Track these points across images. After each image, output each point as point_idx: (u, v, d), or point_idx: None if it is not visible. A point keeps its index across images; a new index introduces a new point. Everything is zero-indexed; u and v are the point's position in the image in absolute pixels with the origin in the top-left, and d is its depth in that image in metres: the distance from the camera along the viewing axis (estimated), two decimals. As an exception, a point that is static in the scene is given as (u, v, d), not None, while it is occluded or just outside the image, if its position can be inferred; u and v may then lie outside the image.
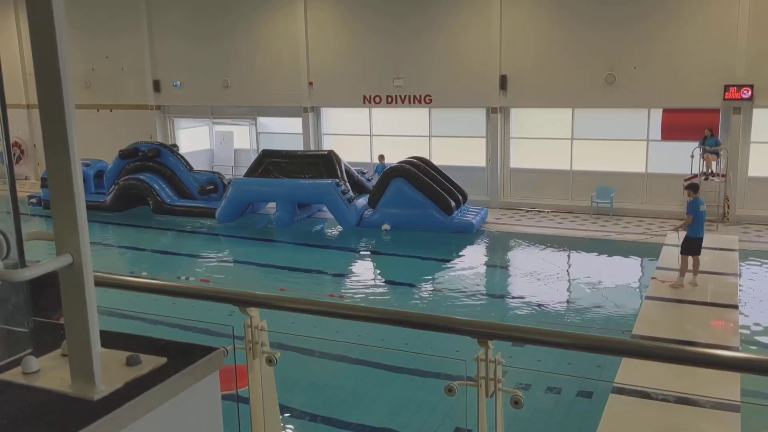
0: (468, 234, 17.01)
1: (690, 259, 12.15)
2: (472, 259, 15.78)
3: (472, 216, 17.55)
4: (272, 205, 19.47)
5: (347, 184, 18.40)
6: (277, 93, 22.89)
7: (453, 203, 17.25)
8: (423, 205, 17.14)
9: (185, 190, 20.48)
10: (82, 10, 24.92)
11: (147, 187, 20.03)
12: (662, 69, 18.36)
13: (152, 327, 9.71)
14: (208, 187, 20.18)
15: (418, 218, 17.18)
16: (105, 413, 1.66)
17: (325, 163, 18.82)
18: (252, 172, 19.38)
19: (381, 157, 20.70)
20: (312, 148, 23.00)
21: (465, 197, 18.23)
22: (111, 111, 25.75)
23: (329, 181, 17.94)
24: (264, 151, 20.03)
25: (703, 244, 12.40)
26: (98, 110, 25.76)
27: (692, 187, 12.46)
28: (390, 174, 17.60)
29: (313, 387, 9.08)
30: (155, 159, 20.72)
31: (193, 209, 19.75)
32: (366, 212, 17.82)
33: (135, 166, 20.68)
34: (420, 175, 17.37)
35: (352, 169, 19.50)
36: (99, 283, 3.95)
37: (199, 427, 1.95)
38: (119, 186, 20.38)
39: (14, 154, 24.51)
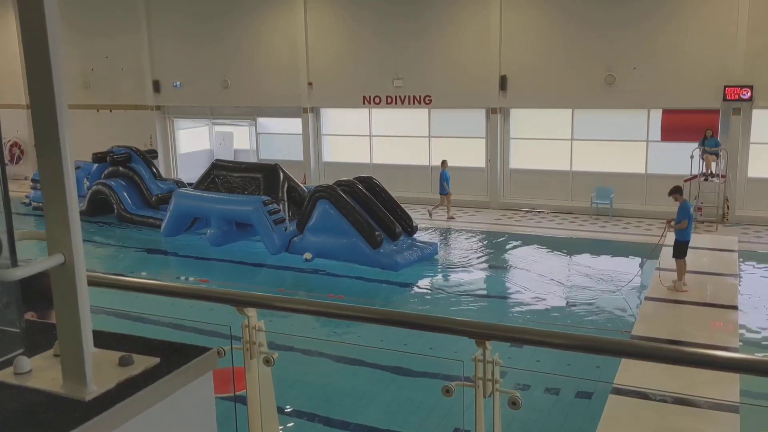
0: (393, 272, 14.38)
1: (680, 261, 12.12)
2: (472, 259, 15.75)
3: (409, 254, 14.76)
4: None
5: (284, 203, 16.58)
6: (277, 93, 22.89)
7: (380, 236, 14.56)
8: (349, 234, 14.66)
9: (149, 199, 19.51)
10: (82, 11, 24.93)
11: (113, 194, 19.36)
12: (662, 70, 18.36)
13: (152, 327, 9.69)
14: (163, 197, 18.93)
15: (343, 249, 14.75)
16: (96, 413, 1.66)
17: (266, 178, 16.89)
18: (199, 183, 17.76)
19: (443, 163, 19.35)
20: (312, 149, 23.00)
21: (412, 229, 15.66)
22: (110, 111, 25.76)
23: (255, 198, 16.06)
24: (215, 161, 18.44)
25: (703, 245, 12.41)
26: (98, 110, 25.77)
27: (677, 191, 12.44)
28: (315, 195, 15.39)
29: (311, 387, 9.07)
30: (126, 164, 19.85)
31: (148, 219, 18.66)
32: (296, 237, 15.56)
33: (111, 171, 19.97)
34: (345, 199, 14.92)
35: (303, 186, 17.55)
36: (95, 283, 3.95)
37: (193, 427, 1.94)
38: (91, 191, 19.83)
39: (14, 154, 24.39)
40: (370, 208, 15.19)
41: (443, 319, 3.95)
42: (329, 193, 15.10)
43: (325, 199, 15.06)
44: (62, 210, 1.70)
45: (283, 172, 17.28)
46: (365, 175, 16.64)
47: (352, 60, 21.87)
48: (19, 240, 1.85)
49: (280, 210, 16.09)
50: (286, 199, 16.77)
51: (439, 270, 14.90)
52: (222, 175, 17.44)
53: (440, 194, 19.35)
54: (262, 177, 16.95)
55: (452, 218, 19.27)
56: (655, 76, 18.46)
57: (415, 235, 15.77)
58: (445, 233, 17.91)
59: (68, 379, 1.77)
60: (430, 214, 19.39)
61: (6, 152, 26.43)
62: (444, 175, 19.20)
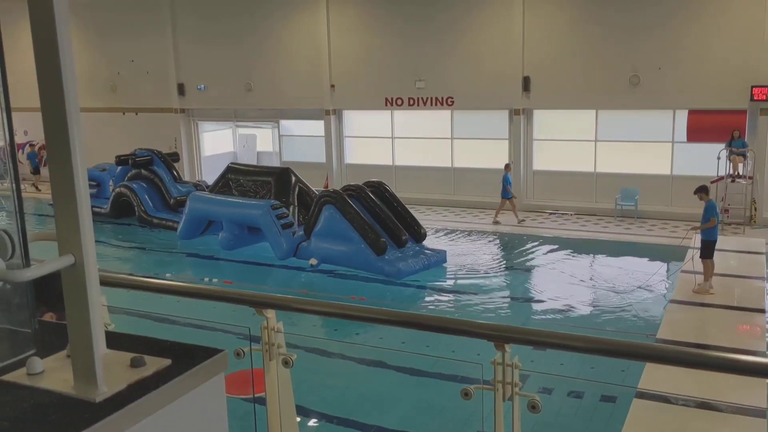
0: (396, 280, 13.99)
1: (707, 262, 12.00)
2: (495, 261, 15.68)
3: (414, 262, 14.36)
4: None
5: (294, 207, 16.40)
6: (300, 96, 22.97)
7: (384, 242, 14.25)
8: (353, 240, 14.40)
9: (169, 201, 19.60)
10: (108, 16, 25.28)
11: (134, 196, 19.48)
12: (687, 70, 18.12)
13: (173, 328, 9.76)
14: (182, 200, 18.81)
15: (348, 255, 14.50)
16: (107, 415, 1.65)
17: (277, 182, 16.73)
18: (214, 187, 17.79)
19: (507, 166, 19.01)
20: (334, 151, 23.04)
21: (421, 236, 15.24)
22: (136, 114, 26.04)
23: (264, 202, 15.95)
24: (229, 165, 18.22)
25: (730, 247, 12.26)
26: (124, 113, 26.07)
27: (704, 190, 12.31)
28: (321, 200, 15.21)
29: (331, 389, 9.06)
30: (148, 167, 19.96)
31: (166, 222, 18.77)
32: (304, 242, 15.33)
33: (134, 173, 20.11)
34: (350, 205, 14.66)
35: (314, 190, 17.08)
36: (113, 284, 3.97)
37: (204, 429, 1.93)
38: (114, 193, 20.06)
39: (43, 157, 24.72)
40: (376, 214, 14.93)
41: (461, 322, 3.92)
42: (335, 198, 14.92)
43: (331, 204, 14.87)
44: (72, 211, 1.70)
45: (295, 175, 17.09)
46: (375, 179, 16.24)
47: (374, 62, 21.88)
48: (32, 241, 1.86)
49: (288, 214, 15.91)
50: (296, 204, 16.58)
51: (459, 272, 14.82)
52: (236, 178, 17.41)
53: (502, 197, 18.75)
54: (273, 180, 16.84)
55: (522, 221, 18.72)
56: (680, 76, 18.22)
57: (424, 242, 15.36)
58: (470, 235, 17.82)
59: (79, 380, 1.78)
60: (496, 219, 18.98)
61: (36, 154, 26.82)
62: (506, 178, 18.69)
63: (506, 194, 18.68)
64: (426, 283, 14.01)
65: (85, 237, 1.73)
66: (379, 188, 15.62)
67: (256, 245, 16.38)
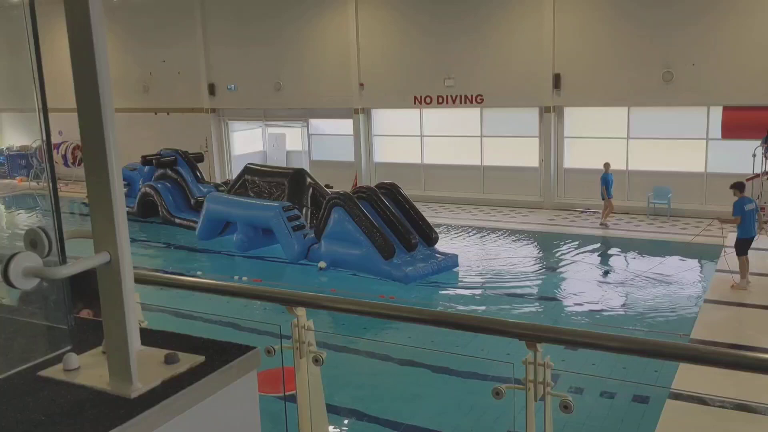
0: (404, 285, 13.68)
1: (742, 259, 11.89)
2: (526, 260, 15.57)
3: (423, 266, 14.00)
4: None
5: (307, 209, 16.33)
6: (329, 95, 23.03)
7: (392, 246, 13.98)
8: (362, 243, 14.13)
9: (191, 202, 19.81)
10: (141, 18, 25.62)
11: (158, 196, 19.72)
12: (722, 65, 17.80)
13: (205, 325, 9.86)
14: (202, 201, 18.60)
15: (356, 259, 14.22)
16: (141, 411, 1.67)
17: (290, 183, 16.62)
18: (231, 188, 17.77)
19: (606, 166, 18.18)
20: (363, 149, 23.07)
21: (432, 239, 14.89)
22: (168, 114, 26.35)
23: (276, 204, 15.83)
24: (246, 165, 18.04)
25: (766, 246, 12.05)
26: (155, 113, 26.39)
27: (738, 186, 12.31)
28: (330, 202, 14.95)
29: (361, 387, 9.08)
30: (173, 167, 20.18)
31: (187, 222, 18.90)
32: (315, 244, 15.13)
33: (160, 173, 20.34)
34: (358, 207, 14.43)
35: (329, 192, 16.60)
36: (148, 281, 4.01)
37: (236, 426, 1.94)
38: (140, 192, 20.34)
39: (77, 157, 24.92)
40: (386, 216, 14.61)
41: (493, 321, 3.89)
42: (343, 200, 14.69)
43: (339, 206, 14.64)
44: (108, 209, 1.72)
45: (309, 176, 17.00)
46: (388, 181, 15.96)
47: (403, 60, 21.85)
48: (69, 239, 1.89)
49: (300, 216, 15.77)
50: (309, 205, 16.45)
51: (489, 271, 14.73)
52: (252, 179, 17.36)
53: (605, 198, 18.19)
54: (287, 182, 16.72)
55: (605, 225, 18.14)
56: (715, 72, 17.91)
57: (436, 246, 15.02)
58: (497, 234, 17.73)
59: (114, 376, 1.80)
60: (604, 224, 18.21)
61: (69, 155, 27.29)
62: (606, 178, 18.08)
63: (607, 194, 18.12)
64: (452, 282, 13.95)
65: (120, 235, 1.75)
66: (391, 190, 15.31)
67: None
